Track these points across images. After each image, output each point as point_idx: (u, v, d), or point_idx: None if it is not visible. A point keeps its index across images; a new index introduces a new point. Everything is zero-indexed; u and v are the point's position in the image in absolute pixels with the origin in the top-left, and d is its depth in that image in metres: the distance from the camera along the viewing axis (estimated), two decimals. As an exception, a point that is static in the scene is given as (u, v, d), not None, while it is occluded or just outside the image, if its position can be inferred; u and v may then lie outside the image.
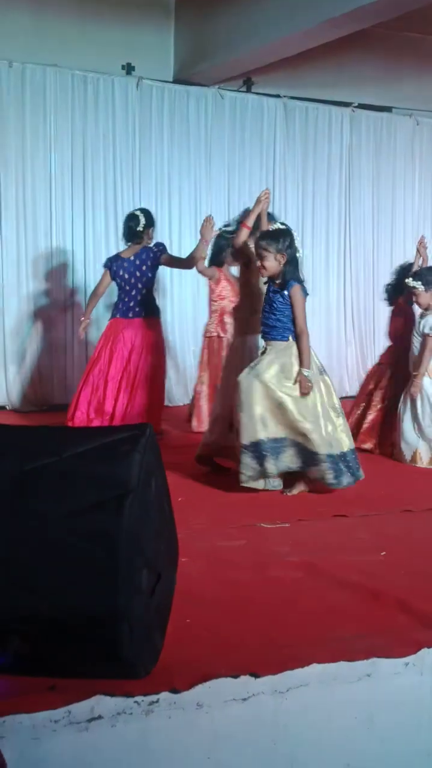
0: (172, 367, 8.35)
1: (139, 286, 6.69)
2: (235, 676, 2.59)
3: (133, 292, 6.70)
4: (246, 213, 5.82)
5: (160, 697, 2.49)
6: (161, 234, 8.59)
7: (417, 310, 6.38)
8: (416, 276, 6.21)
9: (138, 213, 6.81)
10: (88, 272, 8.51)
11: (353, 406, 6.64)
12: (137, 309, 6.71)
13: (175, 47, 9.06)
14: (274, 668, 2.65)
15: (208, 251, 6.81)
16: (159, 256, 6.69)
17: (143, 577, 2.49)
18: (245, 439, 4.91)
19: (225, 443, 5.36)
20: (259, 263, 5.11)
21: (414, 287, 6.13)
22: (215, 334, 7.05)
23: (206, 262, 6.88)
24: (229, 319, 6.66)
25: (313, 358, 5.14)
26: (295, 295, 5.10)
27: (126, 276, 6.68)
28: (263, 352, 5.14)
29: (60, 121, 8.37)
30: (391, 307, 6.69)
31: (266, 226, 5.39)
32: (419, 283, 6.12)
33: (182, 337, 8.89)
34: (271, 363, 5.04)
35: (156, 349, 6.74)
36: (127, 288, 6.70)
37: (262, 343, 5.25)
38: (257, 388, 4.94)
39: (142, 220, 6.70)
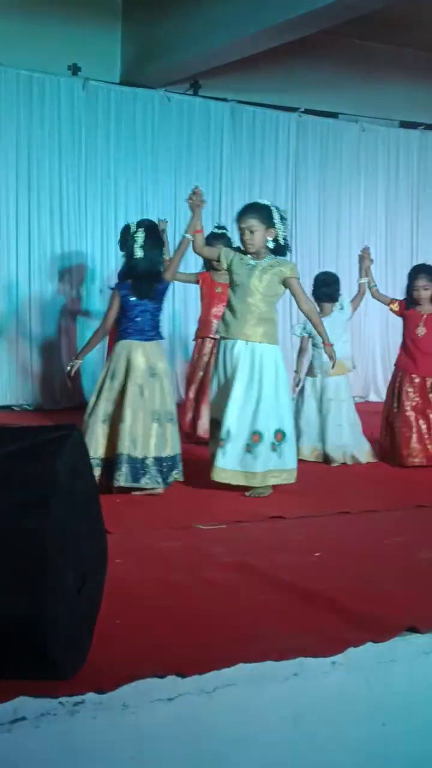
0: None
1: None
2: (162, 676, 2.59)
3: None
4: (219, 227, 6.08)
5: (85, 697, 2.48)
6: (107, 237, 8.60)
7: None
8: None
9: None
10: (33, 275, 8.46)
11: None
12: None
13: (122, 48, 9.07)
14: (201, 668, 2.65)
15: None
16: None
17: (69, 577, 2.48)
18: None
19: None
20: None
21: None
22: None
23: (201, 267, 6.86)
24: None
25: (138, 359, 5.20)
26: None
27: None
28: None
29: (4, 121, 8.34)
30: None
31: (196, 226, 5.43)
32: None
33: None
34: None
35: None
36: None
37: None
38: None
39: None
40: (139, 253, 5.17)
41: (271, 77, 9.50)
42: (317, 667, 2.80)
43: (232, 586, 3.51)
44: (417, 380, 6.27)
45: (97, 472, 4.88)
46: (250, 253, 5.21)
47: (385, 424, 6.41)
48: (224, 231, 6.73)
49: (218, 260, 5.42)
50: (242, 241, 5.25)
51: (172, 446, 5.16)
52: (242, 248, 5.27)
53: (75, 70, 8.75)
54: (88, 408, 5.22)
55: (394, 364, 6.56)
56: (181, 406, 6.37)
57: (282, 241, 5.22)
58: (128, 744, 2.54)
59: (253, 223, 5.15)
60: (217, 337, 5.47)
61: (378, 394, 9.46)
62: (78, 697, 2.47)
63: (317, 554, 3.98)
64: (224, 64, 8.62)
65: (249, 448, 5.10)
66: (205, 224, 5.78)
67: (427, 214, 10.62)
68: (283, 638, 2.96)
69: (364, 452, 6.31)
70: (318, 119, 9.95)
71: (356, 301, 6.55)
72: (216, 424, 5.23)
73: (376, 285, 6.54)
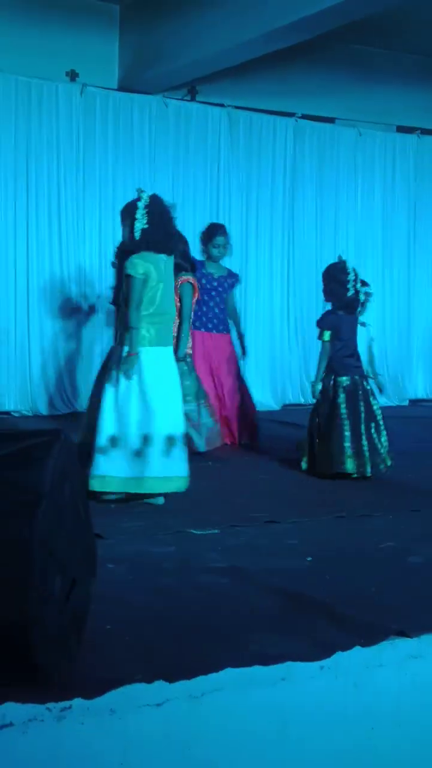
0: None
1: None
2: (149, 682, 2.60)
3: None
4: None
5: (72, 703, 2.49)
6: (105, 242, 8.61)
7: None
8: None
9: None
10: (32, 280, 8.48)
11: None
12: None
13: (120, 54, 9.09)
14: (188, 673, 2.66)
15: None
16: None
17: (56, 582, 2.50)
18: None
19: None
20: None
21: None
22: None
23: None
24: None
25: None
26: None
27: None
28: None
29: (2, 127, 8.34)
30: None
31: None
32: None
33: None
34: None
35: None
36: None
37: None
38: None
39: None
40: None
41: (268, 83, 9.51)
42: (305, 672, 2.81)
43: (224, 591, 3.53)
44: None
45: None
46: None
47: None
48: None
49: None
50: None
51: None
52: None
53: (73, 75, 8.76)
54: None
55: None
56: None
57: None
58: (116, 750, 2.55)
59: None
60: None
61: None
62: (65, 702, 2.48)
63: (309, 559, 4.00)
64: (221, 70, 8.64)
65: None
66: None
67: (423, 218, 10.63)
68: (272, 643, 2.97)
69: None
70: (315, 124, 9.96)
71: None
72: None
73: None
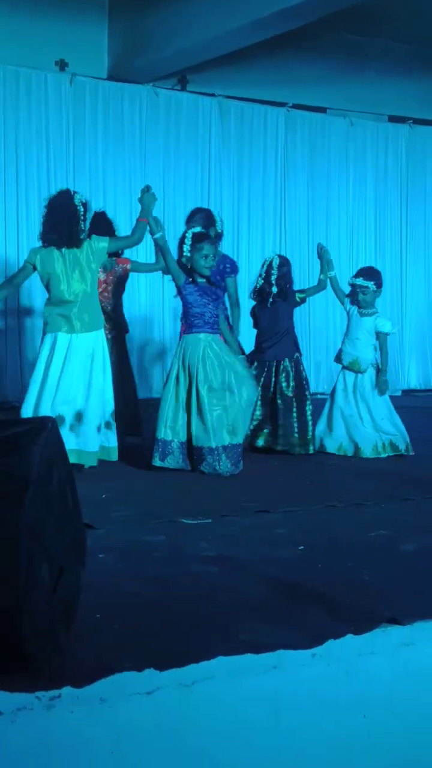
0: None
1: None
2: (139, 670, 2.58)
3: None
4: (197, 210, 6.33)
5: (62, 692, 2.46)
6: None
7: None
8: (367, 276, 6.37)
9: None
10: (21, 270, 8.44)
11: None
12: None
13: (109, 43, 9.05)
14: (179, 662, 2.64)
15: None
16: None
17: (44, 571, 2.47)
18: None
19: None
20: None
21: (366, 286, 6.23)
22: None
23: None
24: None
25: None
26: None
27: None
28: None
29: (-9, 117, 8.30)
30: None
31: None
32: (372, 282, 6.24)
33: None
34: None
35: None
36: None
37: None
38: None
39: None
40: None
41: (260, 72, 9.49)
42: (297, 660, 2.79)
43: (214, 580, 3.50)
44: None
45: None
46: None
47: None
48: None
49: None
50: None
51: None
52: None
53: (62, 65, 8.72)
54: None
55: None
56: None
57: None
58: (106, 738, 2.53)
59: None
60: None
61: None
62: (55, 691, 2.46)
63: (301, 548, 3.98)
64: (212, 59, 8.61)
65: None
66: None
67: (415, 207, 10.62)
68: (263, 631, 2.95)
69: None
70: (306, 114, 9.94)
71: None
72: None
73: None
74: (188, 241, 5.58)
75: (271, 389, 6.35)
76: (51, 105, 8.56)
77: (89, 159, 8.81)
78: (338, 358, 6.55)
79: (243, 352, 6.35)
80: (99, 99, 8.84)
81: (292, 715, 2.77)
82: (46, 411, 5.23)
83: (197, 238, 5.59)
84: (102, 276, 5.94)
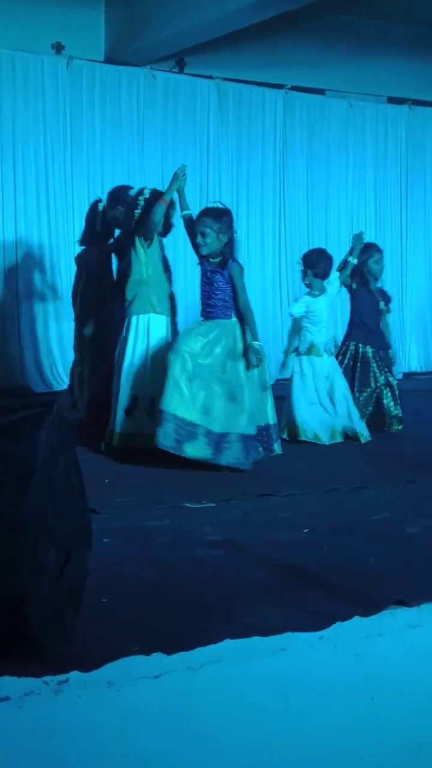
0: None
1: None
2: (147, 654, 2.57)
3: None
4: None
5: (69, 676, 2.46)
6: (94, 216, 8.51)
7: None
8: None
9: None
10: (19, 255, 8.40)
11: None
12: None
13: (106, 26, 8.96)
14: (186, 645, 2.63)
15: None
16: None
17: (50, 556, 2.46)
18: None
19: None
20: (199, 240, 5.25)
21: None
22: None
23: None
24: None
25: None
26: (237, 273, 5.29)
27: None
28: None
29: (-13, 101, 8.22)
30: None
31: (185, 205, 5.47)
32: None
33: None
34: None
35: None
36: None
37: None
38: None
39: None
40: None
41: (257, 54, 9.40)
42: (305, 642, 2.78)
43: (219, 564, 3.50)
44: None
45: None
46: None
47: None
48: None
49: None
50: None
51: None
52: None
53: (59, 48, 8.64)
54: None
55: None
56: None
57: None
58: (114, 722, 2.52)
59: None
60: None
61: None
62: (62, 676, 2.45)
63: (305, 531, 3.97)
64: (209, 41, 8.52)
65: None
66: (192, 203, 5.74)
67: (415, 189, 10.55)
68: (270, 614, 2.95)
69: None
70: (305, 96, 9.85)
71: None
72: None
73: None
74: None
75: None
76: (48, 89, 8.47)
77: (87, 142, 8.73)
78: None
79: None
80: (96, 82, 8.75)
81: (301, 698, 2.76)
82: None
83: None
84: None
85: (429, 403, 8.13)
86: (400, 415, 6.51)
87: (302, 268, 6.40)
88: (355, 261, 6.49)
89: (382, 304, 6.66)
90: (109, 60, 8.90)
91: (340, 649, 2.82)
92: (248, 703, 2.70)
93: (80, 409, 6.47)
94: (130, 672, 2.53)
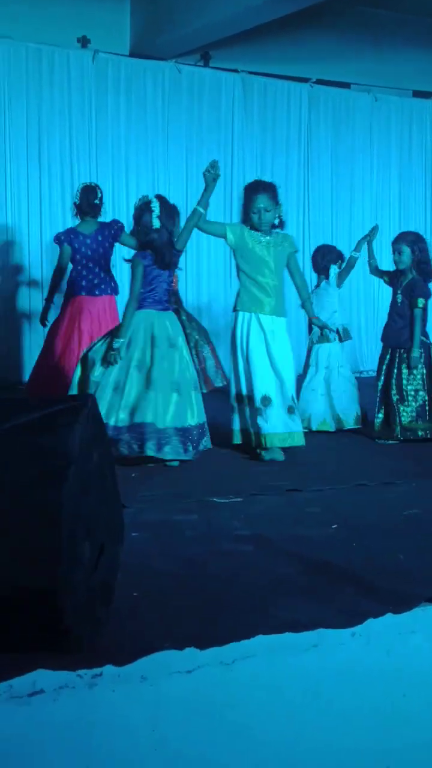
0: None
1: (103, 262, 6.60)
2: (180, 649, 2.57)
3: (97, 269, 6.60)
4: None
5: (103, 670, 2.46)
6: (118, 211, 8.52)
7: None
8: None
9: (96, 186, 6.69)
10: (45, 250, 8.41)
11: None
12: (102, 286, 6.62)
13: (132, 19, 8.97)
14: (219, 640, 2.63)
15: None
16: (119, 234, 6.55)
17: (85, 549, 2.46)
18: None
19: None
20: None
21: None
22: None
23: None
24: None
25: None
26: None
27: (89, 252, 6.56)
28: None
29: (14, 95, 8.24)
30: None
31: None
32: None
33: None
34: None
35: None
36: (90, 265, 6.59)
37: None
38: None
39: (100, 194, 6.60)
40: (156, 223, 5.17)
41: (282, 47, 9.37)
42: (337, 639, 2.77)
43: (249, 559, 3.49)
44: None
45: None
46: (261, 230, 5.37)
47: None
48: None
49: (224, 237, 5.41)
50: (253, 219, 5.38)
51: (198, 414, 5.18)
52: (252, 225, 5.39)
53: (84, 42, 8.64)
54: (94, 373, 5.16)
55: None
56: None
57: (282, 217, 5.49)
58: (147, 716, 2.52)
59: (267, 202, 5.34)
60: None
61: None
62: (96, 669, 2.46)
63: (334, 526, 3.96)
64: (234, 35, 8.50)
65: (291, 410, 5.38)
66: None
67: (440, 182, 10.51)
68: (301, 610, 2.94)
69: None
70: (330, 89, 9.82)
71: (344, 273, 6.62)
72: (242, 396, 5.43)
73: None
74: None
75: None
76: (73, 82, 8.49)
77: (112, 136, 8.74)
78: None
79: None
80: (121, 76, 8.76)
81: (333, 693, 2.75)
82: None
83: None
84: None
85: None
86: None
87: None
88: (357, 255, 6.50)
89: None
90: (135, 54, 8.91)
91: (372, 645, 2.81)
92: (281, 698, 2.70)
93: None
94: (163, 667, 2.54)
